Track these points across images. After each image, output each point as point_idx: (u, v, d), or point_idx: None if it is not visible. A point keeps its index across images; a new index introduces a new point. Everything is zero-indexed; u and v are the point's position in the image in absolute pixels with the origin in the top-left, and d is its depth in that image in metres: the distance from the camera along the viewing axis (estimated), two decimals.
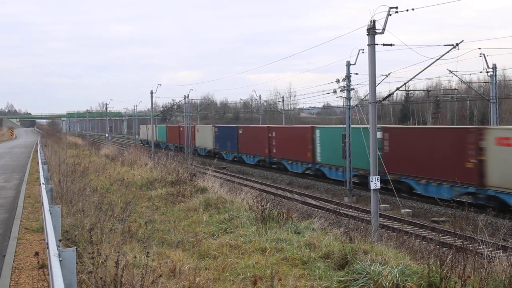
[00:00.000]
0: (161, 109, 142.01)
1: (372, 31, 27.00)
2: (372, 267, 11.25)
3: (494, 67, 45.61)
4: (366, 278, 10.94)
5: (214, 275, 11.83)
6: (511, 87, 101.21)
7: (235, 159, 73.47)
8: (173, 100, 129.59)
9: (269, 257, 12.93)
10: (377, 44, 27.29)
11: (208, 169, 33.28)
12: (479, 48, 42.61)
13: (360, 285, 10.82)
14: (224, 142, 77.04)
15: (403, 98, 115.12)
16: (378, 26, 26.85)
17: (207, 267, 12.46)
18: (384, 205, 38.47)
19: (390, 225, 32.20)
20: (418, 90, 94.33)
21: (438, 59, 29.78)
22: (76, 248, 9.33)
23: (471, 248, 13.65)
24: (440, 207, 33.89)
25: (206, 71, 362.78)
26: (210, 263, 12.75)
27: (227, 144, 75.74)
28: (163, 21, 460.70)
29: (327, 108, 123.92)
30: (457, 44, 30.34)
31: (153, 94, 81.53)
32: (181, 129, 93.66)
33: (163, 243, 14.88)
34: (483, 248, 14.04)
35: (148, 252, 12.04)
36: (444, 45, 30.70)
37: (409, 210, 37.07)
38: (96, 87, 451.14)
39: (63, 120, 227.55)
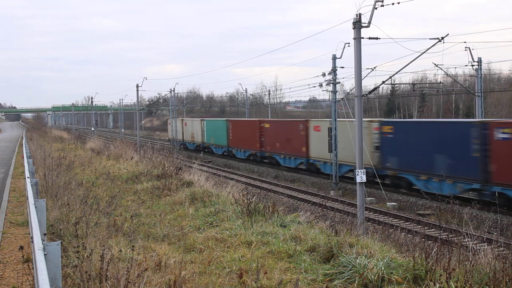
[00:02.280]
0: (147, 102, 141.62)
1: (358, 24, 27.01)
2: (357, 260, 11.28)
3: (479, 61, 45.82)
4: (352, 271, 10.97)
5: (199, 268, 11.82)
6: (496, 81, 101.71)
7: (225, 153, 73.29)
8: (159, 94, 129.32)
9: (255, 250, 12.93)
10: (363, 38, 27.31)
11: (194, 163, 33.21)
12: (464, 42, 42.70)
13: (345, 278, 10.84)
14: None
15: (389, 91, 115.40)
16: (364, 19, 26.87)
17: (193, 260, 12.44)
18: (370, 198, 38.61)
19: (375, 218, 32.32)
20: (404, 84, 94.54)
21: (423, 53, 29.87)
22: (61, 242, 9.30)
23: (456, 241, 13.69)
24: (426, 200, 34.03)
25: (192, 65, 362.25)
26: (196, 257, 12.74)
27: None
28: (148, 15, 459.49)
29: (313, 101, 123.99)
30: (442, 38, 30.43)
31: (139, 87, 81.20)
32: (266, 126, 62.08)
33: (149, 236, 14.85)
34: (468, 241, 14.08)
35: (133, 246, 12.01)
36: (430, 39, 30.82)
37: (395, 203, 37.21)
38: (82, 80, 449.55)
39: (48, 114, 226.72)
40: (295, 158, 54.87)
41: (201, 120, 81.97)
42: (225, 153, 72.92)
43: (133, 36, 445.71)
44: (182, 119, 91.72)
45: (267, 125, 61.40)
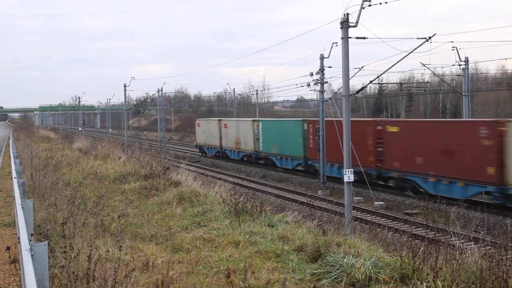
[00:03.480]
0: (135, 102, 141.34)
1: (345, 24, 27.08)
2: (345, 259, 11.30)
3: (466, 60, 46.04)
4: (339, 271, 10.99)
5: (187, 268, 11.81)
6: (483, 80, 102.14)
7: None
8: (146, 94, 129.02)
9: (242, 250, 12.93)
10: (350, 37, 27.39)
11: (181, 163, 33.17)
12: (451, 42, 42.89)
13: (333, 277, 10.86)
14: None
15: (377, 91, 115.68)
16: (352, 19, 26.95)
17: (181, 260, 12.42)
18: (357, 197, 38.68)
19: (363, 217, 32.40)
20: (391, 83, 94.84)
21: (411, 52, 29.95)
22: (48, 243, 9.27)
23: (443, 240, 13.75)
24: (413, 199, 34.16)
25: (180, 65, 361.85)
26: (183, 257, 12.72)
27: None
28: (135, 15, 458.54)
29: (301, 101, 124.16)
30: (429, 38, 30.52)
31: (127, 87, 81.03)
32: (391, 129, 40.94)
33: (137, 236, 14.81)
34: (455, 240, 14.16)
35: (121, 246, 11.99)
36: (417, 38, 30.89)
37: (382, 203, 37.32)
38: (69, 80, 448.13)
39: (35, 114, 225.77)
40: (472, 185, 33.71)
41: (253, 120, 63.00)
42: (301, 168, 54.03)
43: (121, 36, 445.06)
44: (220, 120, 73.31)
45: (393, 129, 40.61)
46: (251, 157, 63.26)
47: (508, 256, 10.71)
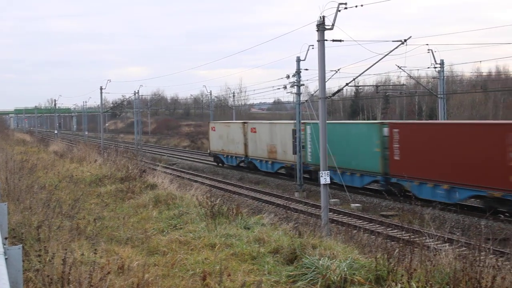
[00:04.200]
0: (111, 105, 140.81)
1: (321, 27, 27.16)
2: (320, 261, 11.34)
3: (442, 63, 46.34)
4: (315, 273, 11.03)
5: (163, 271, 11.80)
6: (459, 83, 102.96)
7: None
8: (123, 96, 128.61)
9: (218, 252, 12.93)
10: (326, 40, 27.47)
11: (158, 165, 33.11)
12: (427, 44, 43.14)
13: (308, 279, 10.90)
14: None
15: (353, 93, 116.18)
16: (328, 22, 27.02)
17: (156, 263, 12.41)
18: (334, 200, 38.80)
19: (339, 219, 32.50)
20: (367, 86, 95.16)
21: (386, 55, 30.15)
22: (23, 246, 9.22)
23: (418, 241, 13.84)
24: (389, 201, 34.33)
25: (156, 67, 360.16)
26: (159, 259, 12.71)
27: None
28: (111, 17, 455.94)
29: (277, 103, 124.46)
30: (405, 40, 30.70)
31: (103, 90, 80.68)
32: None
33: (112, 239, 14.76)
34: (430, 241, 14.26)
35: (96, 249, 11.95)
36: (393, 41, 31.06)
37: (359, 205, 37.49)
38: (44, 83, 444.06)
39: (10, 117, 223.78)
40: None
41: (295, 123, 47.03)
42: (377, 188, 41.82)
43: (96, 38, 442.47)
44: (245, 122, 60.80)
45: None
46: (290, 169, 49.23)
47: (481, 257, 10.80)
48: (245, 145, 58.74)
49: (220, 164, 64.98)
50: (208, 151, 68.01)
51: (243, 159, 59.29)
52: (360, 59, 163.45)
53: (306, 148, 46.64)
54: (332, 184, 36.20)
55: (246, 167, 58.76)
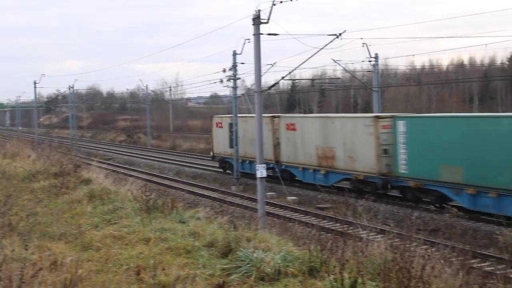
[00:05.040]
0: (46, 99, 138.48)
1: (257, 20, 27.21)
2: (255, 254, 11.39)
3: (376, 57, 46.94)
4: (249, 265, 11.07)
5: (97, 266, 11.70)
6: (393, 76, 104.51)
7: None
8: (57, 91, 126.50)
9: (153, 247, 12.90)
10: (262, 34, 27.53)
11: (93, 160, 32.77)
12: (361, 38, 43.66)
13: (242, 272, 10.93)
14: None
15: (290, 87, 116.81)
16: (264, 15, 27.08)
17: (90, 258, 12.30)
18: (270, 193, 38.97)
19: (275, 212, 32.64)
20: (303, 79, 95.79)
21: (321, 49, 30.33)
22: None
23: (351, 232, 14.03)
24: (325, 194, 34.70)
25: (92, 62, 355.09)
26: (93, 255, 12.60)
27: None
28: (45, 11, 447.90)
29: (214, 97, 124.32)
30: (339, 34, 30.96)
31: (37, 84, 79.36)
32: None
33: (45, 235, 14.58)
34: (362, 232, 14.48)
35: (27, 245, 11.77)
36: (328, 35, 31.28)
37: (295, 198, 37.70)
38: None
39: None
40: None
41: (377, 117, 35.40)
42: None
43: (33, 33, 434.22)
44: (275, 116, 46.13)
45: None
46: (372, 184, 35.25)
47: (412, 247, 11.03)
48: (276, 147, 43.74)
49: (229, 171, 49.75)
50: (211, 153, 53.33)
51: (271, 165, 41.99)
52: (297, 52, 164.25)
53: (396, 154, 33.25)
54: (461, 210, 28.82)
55: (276, 176, 38.80)
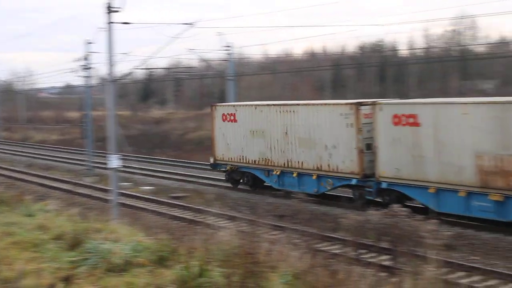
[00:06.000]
0: None
1: (110, 9, 26.85)
2: (103, 245, 11.31)
3: (231, 46, 47.42)
4: (98, 257, 10.98)
5: None
6: (247, 65, 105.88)
7: None
8: None
9: None
10: (115, 23, 27.19)
11: None
12: (217, 27, 44.03)
13: (90, 264, 10.83)
14: None
15: (146, 77, 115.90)
16: (117, 4, 26.73)
17: None
18: (126, 183, 38.59)
19: (130, 203, 32.34)
20: (158, 68, 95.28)
21: (175, 38, 30.24)
22: None
23: (202, 220, 14.24)
24: (180, 182, 34.86)
25: None
26: None
27: None
28: None
29: (68, 87, 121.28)
30: (193, 23, 30.93)
31: None
32: None
33: None
34: (213, 219, 14.71)
35: None
36: (183, 24, 31.17)
37: (152, 187, 37.51)
38: None
39: None
40: None
41: None
42: None
43: None
44: (361, 103, 28.58)
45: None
46: None
47: (260, 233, 11.33)
48: (363, 152, 27.69)
49: (248, 187, 34.59)
50: (211, 160, 36.29)
51: (353, 182, 28.19)
52: (153, 42, 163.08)
53: None
54: None
55: (371, 200, 27.34)
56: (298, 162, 30.42)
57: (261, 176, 33.15)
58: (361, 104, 28.11)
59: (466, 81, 76.98)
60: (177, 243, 11.15)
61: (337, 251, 18.71)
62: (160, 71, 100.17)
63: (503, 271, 17.69)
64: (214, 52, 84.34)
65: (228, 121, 34.88)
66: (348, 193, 29.57)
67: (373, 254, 19.10)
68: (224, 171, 35.52)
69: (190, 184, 35.58)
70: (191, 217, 24.88)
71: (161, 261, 10.85)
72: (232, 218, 17.45)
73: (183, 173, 41.83)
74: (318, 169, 29.46)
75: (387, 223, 17.71)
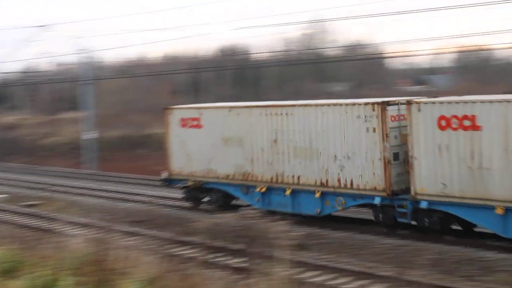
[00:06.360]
0: None
1: None
2: None
3: (85, 49, 46.86)
4: None
5: None
6: (104, 69, 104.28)
7: None
8: None
9: None
10: None
11: None
12: (70, 30, 43.29)
13: None
14: None
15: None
16: None
17: None
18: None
19: None
20: (12, 72, 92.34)
21: (26, 41, 29.50)
22: None
23: (53, 228, 14.01)
24: (37, 190, 33.99)
25: None
26: None
27: None
28: None
29: None
30: (45, 26, 30.22)
31: None
32: None
33: None
34: (67, 228, 14.52)
35: None
36: (36, 27, 30.39)
37: (6, 195, 36.14)
38: None
39: None
40: None
41: None
42: None
43: None
44: (387, 103, 22.81)
45: None
46: None
47: (113, 240, 11.31)
48: (389, 163, 22.56)
49: (215, 207, 28.32)
50: (163, 174, 30.59)
51: (377, 201, 22.85)
52: (7, 45, 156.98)
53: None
54: None
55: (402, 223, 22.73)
56: (293, 176, 25.07)
57: (236, 193, 27.57)
58: (388, 103, 22.72)
59: (320, 84, 79.47)
60: (28, 252, 10.94)
61: (193, 255, 18.87)
62: (15, 75, 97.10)
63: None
64: (70, 55, 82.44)
65: (190, 127, 28.96)
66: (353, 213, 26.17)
67: (229, 257, 19.35)
68: (183, 188, 29.47)
69: (45, 192, 34.65)
70: (46, 225, 24.25)
71: (10, 272, 10.62)
72: (86, 225, 17.22)
73: (38, 180, 40.76)
74: (322, 185, 24.18)
75: (242, 226, 18.03)
